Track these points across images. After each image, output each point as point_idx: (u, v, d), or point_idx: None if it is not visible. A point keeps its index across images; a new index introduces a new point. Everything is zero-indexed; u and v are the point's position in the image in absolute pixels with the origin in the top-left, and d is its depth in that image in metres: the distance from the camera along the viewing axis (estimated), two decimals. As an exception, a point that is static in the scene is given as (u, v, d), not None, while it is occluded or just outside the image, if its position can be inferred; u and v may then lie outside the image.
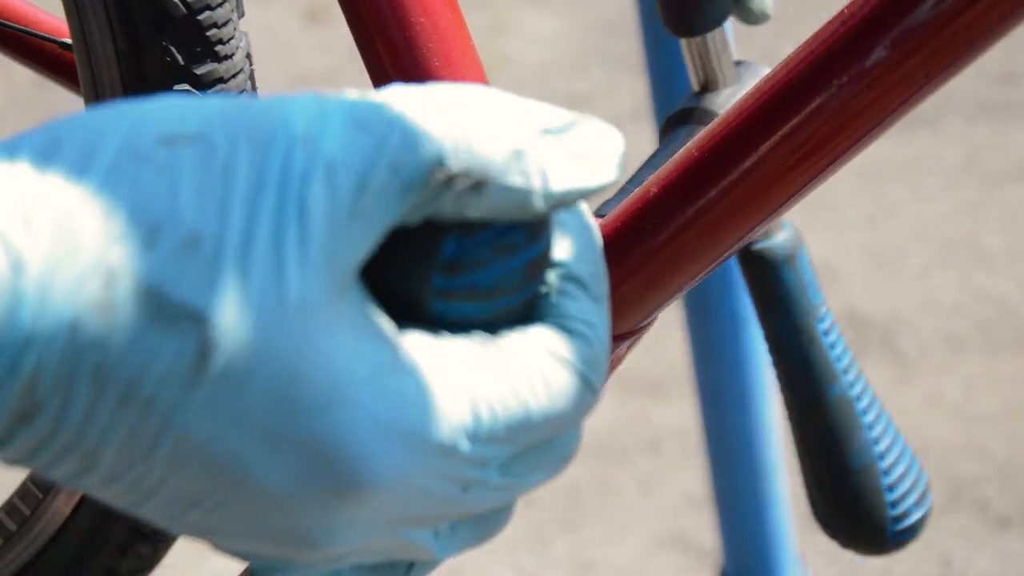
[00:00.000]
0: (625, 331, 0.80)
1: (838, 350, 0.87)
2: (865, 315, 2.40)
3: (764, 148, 0.70)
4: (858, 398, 0.86)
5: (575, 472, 2.20)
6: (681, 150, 0.74)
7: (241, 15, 0.85)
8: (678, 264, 0.75)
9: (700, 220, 0.73)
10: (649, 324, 0.82)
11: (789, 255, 0.88)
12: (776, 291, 0.88)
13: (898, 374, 2.31)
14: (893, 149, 2.65)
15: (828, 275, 2.47)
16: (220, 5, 0.82)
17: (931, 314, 2.39)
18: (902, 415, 2.24)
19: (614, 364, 0.83)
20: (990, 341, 2.33)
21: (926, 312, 2.39)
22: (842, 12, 0.66)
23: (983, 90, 2.81)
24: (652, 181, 0.74)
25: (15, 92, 2.97)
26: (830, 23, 0.67)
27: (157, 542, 0.98)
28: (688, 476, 2.18)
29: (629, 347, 0.83)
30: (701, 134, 0.72)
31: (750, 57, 0.90)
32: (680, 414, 2.25)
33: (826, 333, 0.87)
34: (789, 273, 0.88)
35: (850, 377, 0.86)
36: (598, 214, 0.86)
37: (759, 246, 0.88)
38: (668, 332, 2.40)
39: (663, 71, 1.40)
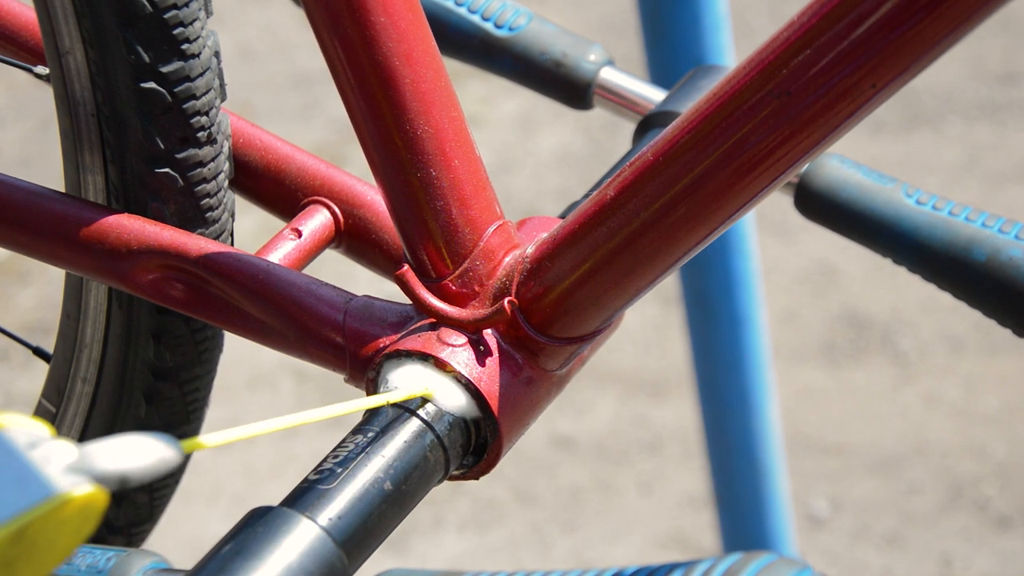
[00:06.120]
0: (585, 333, 0.80)
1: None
2: (865, 315, 2.40)
3: (715, 155, 0.69)
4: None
5: (575, 472, 2.20)
6: (637, 154, 0.73)
7: (209, 14, 0.84)
8: (633, 267, 0.74)
9: (654, 224, 0.72)
10: (611, 326, 0.81)
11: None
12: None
13: (898, 374, 2.31)
14: (893, 148, 2.65)
15: (828, 275, 2.47)
16: (187, 4, 0.82)
17: (931, 314, 2.39)
18: (902, 415, 2.25)
19: (577, 365, 0.83)
20: (990, 341, 2.33)
21: (926, 312, 2.39)
22: (791, 22, 0.66)
23: (983, 90, 2.81)
24: (609, 184, 0.74)
25: (15, 92, 2.97)
26: (779, 33, 0.67)
27: (153, 491, 0.99)
28: (688, 476, 2.18)
29: (592, 348, 0.83)
30: (657, 138, 0.72)
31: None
32: (680, 414, 2.25)
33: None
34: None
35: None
36: (561, 216, 0.85)
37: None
38: (668, 332, 2.40)
39: (663, 71, 1.40)
